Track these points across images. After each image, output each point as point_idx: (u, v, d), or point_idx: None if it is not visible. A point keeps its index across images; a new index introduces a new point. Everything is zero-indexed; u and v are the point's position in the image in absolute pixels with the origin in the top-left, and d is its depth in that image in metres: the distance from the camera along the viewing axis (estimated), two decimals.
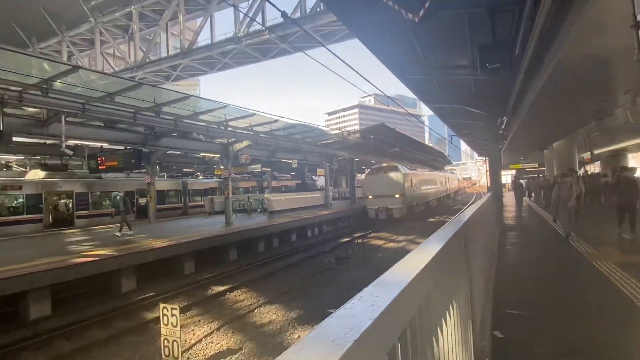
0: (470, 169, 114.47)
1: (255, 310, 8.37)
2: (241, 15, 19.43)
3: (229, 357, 6.25)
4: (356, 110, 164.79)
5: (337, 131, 26.48)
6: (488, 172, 17.42)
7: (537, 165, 30.45)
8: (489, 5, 5.96)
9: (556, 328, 4.35)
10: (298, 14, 17.73)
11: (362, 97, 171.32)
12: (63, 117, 10.10)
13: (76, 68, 9.26)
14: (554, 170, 21.25)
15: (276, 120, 16.39)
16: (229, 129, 15.46)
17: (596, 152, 22.28)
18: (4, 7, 23.21)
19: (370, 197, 24.30)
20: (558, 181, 10.33)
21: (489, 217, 7.50)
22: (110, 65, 25.41)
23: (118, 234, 13.18)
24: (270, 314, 8.16)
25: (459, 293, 2.50)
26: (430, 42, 8.31)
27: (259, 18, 18.62)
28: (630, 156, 29.67)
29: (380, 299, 1.12)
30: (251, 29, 19.93)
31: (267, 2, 17.69)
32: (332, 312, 1.06)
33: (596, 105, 10.68)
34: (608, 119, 12.18)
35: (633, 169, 10.99)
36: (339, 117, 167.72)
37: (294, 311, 8.25)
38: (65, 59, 22.53)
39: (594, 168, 32.95)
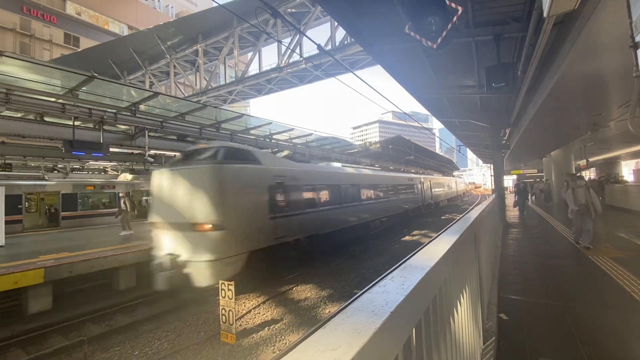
0: (475, 174, 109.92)
1: (293, 289, 8.43)
2: (283, 49, 19.80)
3: (272, 326, 6.34)
4: (377, 124, 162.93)
5: (361, 142, 26.23)
6: (492, 177, 16.65)
7: (536, 171, 28.81)
8: (495, 34, 5.74)
9: (555, 313, 4.10)
10: (329, 47, 17.81)
11: (382, 114, 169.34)
12: (146, 132, 10.69)
13: (156, 94, 9.77)
14: (552, 175, 20.03)
15: (310, 134, 16.53)
16: (273, 141, 15.75)
17: (591, 159, 20.80)
18: (104, 49, 25.00)
19: (155, 229, 7.79)
20: (573, 185, 7.65)
21: (493, 215, 7.19)
22: (182, 92, 26.65)
23: (122, 233, 11.98)
24: (305, 292, 8.18)
25: (470, 279, 2.42)
26: (442, 65, 8.11)
27: (297, 50, 18.90)
28: (623, 163, 27.42)
29: (408, 280, 1.11)
30: (291, 60, 20.22)
31: (304, 37, 17.91)
32: (356, 292, 1.06)
33: (592, 118, 9.98)
34: (603, 130, 11.34)
35: None
36: (362, 131, 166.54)
37: (325, 290, 8.23)
38: (147, 87, 23.84)
39: (589, 174, 30.71)
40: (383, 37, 6.52)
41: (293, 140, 17.13)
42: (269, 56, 25.91)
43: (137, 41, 23.87)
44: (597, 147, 18.26)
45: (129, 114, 10.04)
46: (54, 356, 5.47)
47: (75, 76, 8.45)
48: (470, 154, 38.10)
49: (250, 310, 7.07)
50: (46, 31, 33.96)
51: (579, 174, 8.25)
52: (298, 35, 18.58)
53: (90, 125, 9.95)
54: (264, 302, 7.50)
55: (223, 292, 5.56)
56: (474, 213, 3.77)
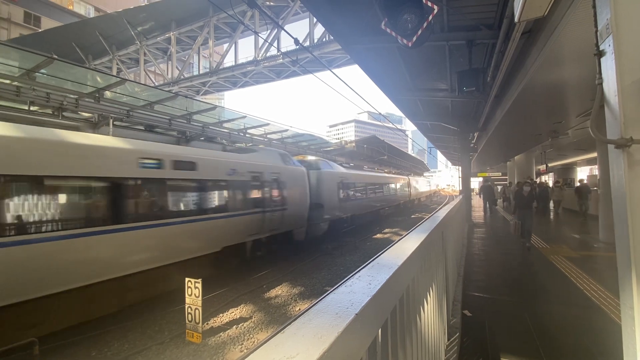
0: (444, 175, 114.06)
1: (264, 286, 8.30)
2: (260, 42, 19.42)
3: (241, 324, 6.19)
4: (352, 124, 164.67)
5: (337, 140, 26.37)
6: (460, 179, 17.33)
7: (500, 174, 30.36)
8: (468, 39, 5.91)
9: (515, 309, 4.29)
10: (307, 43, 17.68)
11: (358, 113, 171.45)
12: (111, 121, 10.05)
13: (123, 80, 9.21)
14: (515, 178, 21.18)
15: (286, 130, 16.35)
16: (247, 135, 15.40)
17: (550, 165, 22.23)
18: (67, 30, 23.26)
19: None
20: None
21: (460, 215, 7.44)
22: (152, 80, 25.40)
23: None
24: (276, 290, 8.08)
25: (437, 276, 2.45)
26: (417, 68, 8.27)
27: (275, 44, 18.59)
28: (578, 169, 29.53)
29: (376, 279, 1.07)
30: (268, 54, 19.88)
31: (282, 32, 17.67)
32: (328, 290, 1.00)
33: (552, 125, 10.60)
34: (562, 137, 12.10)
35: None
36: (338, 129, 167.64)
37: (297, 287, 8.17)
38: (115, 74, 22.52)
39: (548, 178, 32.76)
40: (361, 35, 6.53)
41: (268, 136, 16.85)
42: (245, 48, 25.32)
43: (104, 24, 22.40)
44: (556, 154, 19.52)
45: (92, 100, 9.39)
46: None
47: (35, 57, 7.77)
48: (440, 156, 39.44)
49: (218, 308, 6.87)
50: (4, 9, 31.06)
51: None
52: (276, 29, 18.29)
53: (49, 111, 9.21)
54: (232, 300, 7.32)
55: (189, 289, 5.34)
56: (442, 213, 3.85)
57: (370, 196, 19.07)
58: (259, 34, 12.86)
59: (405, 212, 26.41)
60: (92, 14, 36.36)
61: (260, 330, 5.96)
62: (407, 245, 1.68)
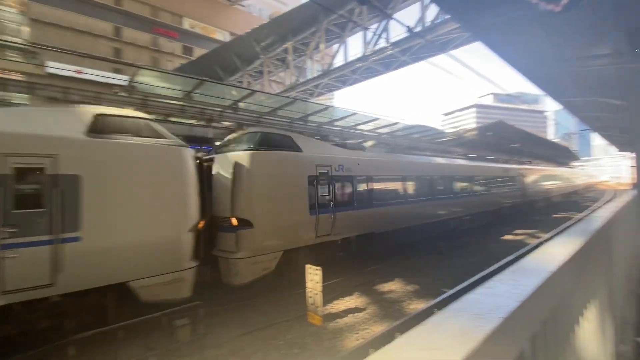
0: (604, 165, 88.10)
1: (377, 280, 8.38)
2: (368, 37, 19.43)
3: (355, 314, 6.44)
4: (473, 109, 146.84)
5: (454, 129, 24.06)
6: (635, 168, 13.32)
7: None
8: None
9: None
10: (419, 28, 16.72)
11: (480, 97, 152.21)
12: (244, 127, 11.89)
13: (253, 92, 10.74)
14: None
15: (396, 123, 15.95)
16: (357, 131, 15.73)
17: None
18: (211, 55, 28.67)
19: None
20: None
21: (633, 216, 5.80)
22: (274, 89, 28.78)
23: None
24: (389, 285, 8.05)
25: (599, 291, 1.99)
26: (563, 34, 6.75)
27: (383, 36, 18.31)
28: None
29: (522, 284, 0.97)
30: (376, 47, 19.72)
31: (390, 22, 17.23)
32: (445, 291, 0.95)
33: None
34: None
35: None
36: (455, 117, 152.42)
37: (410, 285, 7.96)
38: (245, 87, 26.49)
39: None
40: (487, 8, 5.76)
41: (378, 130, 16.78)
42: (354, 46, 25.92)
43: (236, 46, 26.62)
44: None
45: (231, 111, 11.30)
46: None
47: (191, 81, 9.94)
48: (599, 140, 31.22)
49: (334, 296, 7.31)
50: (169, 45, 40.74)
51: None
52: (384, 21, 17.96)
53: (202, 122, 11.57)
54: (347, 290, 7.66)
55: (310, 275, 5.87)
56: (605, 212, 3.09)
57: (417, 197, 11.82)
58: (368, 28, 12.86)
59: (532, 212, 20.48)
60: (228, 38, 43.60)
61: (374, 322, 6.08)
62: (555, 250, 1.45)
